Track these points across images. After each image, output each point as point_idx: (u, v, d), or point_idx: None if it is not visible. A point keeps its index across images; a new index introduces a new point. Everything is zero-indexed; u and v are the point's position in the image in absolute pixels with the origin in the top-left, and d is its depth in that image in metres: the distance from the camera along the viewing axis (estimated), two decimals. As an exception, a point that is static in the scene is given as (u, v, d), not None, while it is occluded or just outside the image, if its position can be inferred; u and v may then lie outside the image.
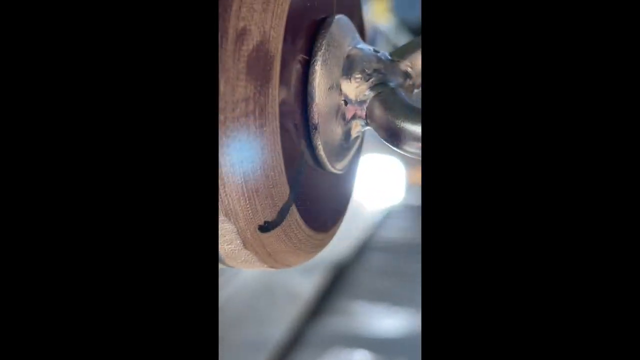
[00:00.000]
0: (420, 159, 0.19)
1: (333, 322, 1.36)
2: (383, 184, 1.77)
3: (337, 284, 1.49)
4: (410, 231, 1.64)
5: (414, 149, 0.19)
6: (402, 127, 0.19)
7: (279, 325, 1.29)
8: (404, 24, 1.93)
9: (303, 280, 1.43)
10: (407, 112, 0.19)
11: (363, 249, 1.57)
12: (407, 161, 1.79)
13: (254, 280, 1.36)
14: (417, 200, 1.73)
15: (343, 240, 1.53)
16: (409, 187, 1.78)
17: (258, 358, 1.20)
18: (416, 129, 0.19)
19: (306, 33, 0.19)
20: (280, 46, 0.18)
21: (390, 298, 1.41)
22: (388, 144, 0.20)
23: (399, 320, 1.33)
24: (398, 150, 0.20)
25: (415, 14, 1.93)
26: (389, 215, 1.72)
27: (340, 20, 0.20)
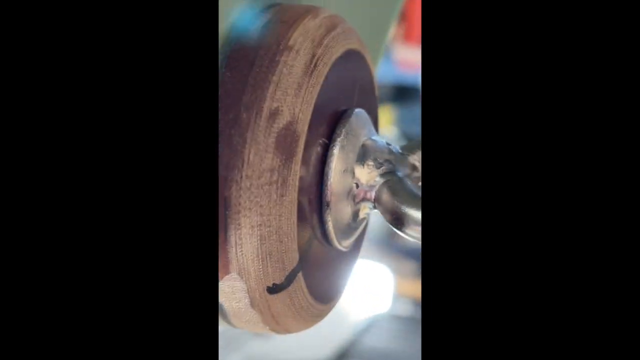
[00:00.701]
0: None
1: None
2: (370, 291, 1.77)
3: (314, 388, 1.45)
4: (393, 342, 1.62)
5: (415, 233, 0.21)
6: (406, 212, 0.21)
7: None
8: (405, 136, 2.00)
9: (280, 379, 1.41)
10: (412, 199, 0.21)
11: (343, 356, 1.55)
12: (396, 271, 1.79)
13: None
14: (403, 311, 1.72)
15: (324, 344, 1.51)
16: (397, 298, 1.78)
17: None
18: (419, 215, 0.21)
19: (329, 120, 0.22)
20: (306, 128, 0.20)
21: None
22: (392, 227, 0.22)
23: None
24: (400, 233, 0.21)
25: (416, 128, 2.00)
26: (373, 323, 1.70)
27: (360, 113, 0.23)
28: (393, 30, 0.33)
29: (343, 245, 0.23)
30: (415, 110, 2.03)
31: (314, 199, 0.21)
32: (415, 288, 1.77)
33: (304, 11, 0.21)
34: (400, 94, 2.18)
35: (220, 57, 0.20)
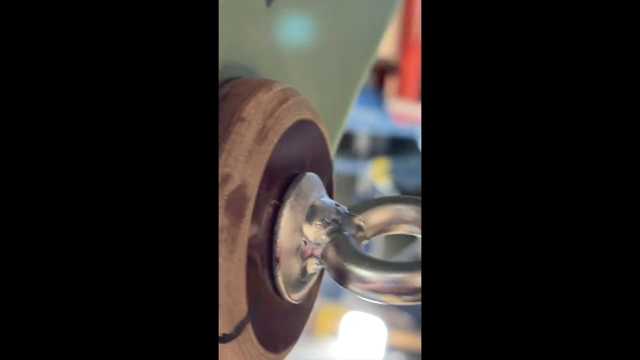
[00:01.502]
0: (370, 302, 0.23)
1: None
2: (363, 343, 1.76)
3: None
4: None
5: (358, 289, 0.23)
6: (349, 269, 0.23)
7: None
8: (399, 187, 2.03)
9: None
10: (355, 258, 0.23)
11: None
12: (389, 322, 1.79)
13: None
14: (395, 363, 1.71)
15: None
16: (390, 350, 1.77)
17: None
18: (361, 272, 0.23)
19: (280, 183, 0.24)
20: (255, 191, 0.22)
21: None
22: (336, 282, 0.23)
23: None
24: (344, 288, 0.23)
25: (410, 180, 2.04)
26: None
27: (311, 176, 0.25)
28: (356, 97, 0.36)
29: (293, 298, 0.25)
30: (410, 162, 2.07)
31: (265, 255, 0.23)
32: (408, 340, 1.77)
33: (258, 85, 0.24)
34: (394, 146, 2.22)
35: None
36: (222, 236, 0.21)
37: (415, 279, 0.22)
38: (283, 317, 0.25)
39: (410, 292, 0.22)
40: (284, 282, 0.24)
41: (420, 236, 0.25)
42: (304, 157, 0.26)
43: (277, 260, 0.23)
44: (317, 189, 0.25)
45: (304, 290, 0.25)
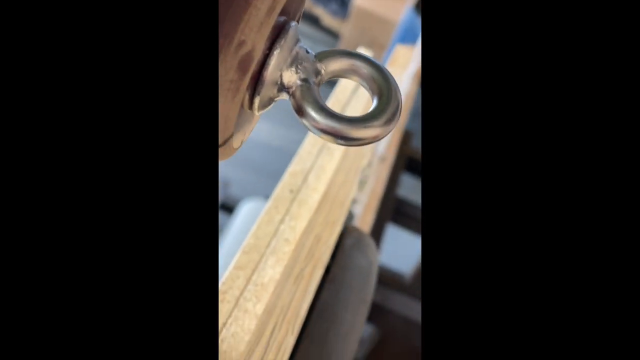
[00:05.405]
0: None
1: None
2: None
3: None
4: None
5: (308, 125, 0.32)
6: (307, 109, 0.32)
7: None
8: None
9: None
10: (314, 103, 0.32)
11: None
12: None
13: None
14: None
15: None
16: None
17: None
18: (313, 113, 0.32)
19: (273, 33, 0.31)
20: (260, 53, 0.29)
21: None
22: (295, 113, 0.33)
23: None
24: (300, 119, 0.33)
25: None
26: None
27: (294, 27, 0.32)
28: None
29: (257, 113, 0.34)
30: None
31: (253, 84, 0.31)
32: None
33: None
34: None
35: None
36: (230, 85, 0.29)
37: (350, 131, 0.32)
38: (248, 124, 0.35)
39: (344, 139, 0.32)
40: (259, 104, 0.33)
41: (363, 85, 0.33)
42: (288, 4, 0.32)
43: (259, 92, 0.32)
44: (297, 37, 0.33)
45: (265, 109, 0.34)
